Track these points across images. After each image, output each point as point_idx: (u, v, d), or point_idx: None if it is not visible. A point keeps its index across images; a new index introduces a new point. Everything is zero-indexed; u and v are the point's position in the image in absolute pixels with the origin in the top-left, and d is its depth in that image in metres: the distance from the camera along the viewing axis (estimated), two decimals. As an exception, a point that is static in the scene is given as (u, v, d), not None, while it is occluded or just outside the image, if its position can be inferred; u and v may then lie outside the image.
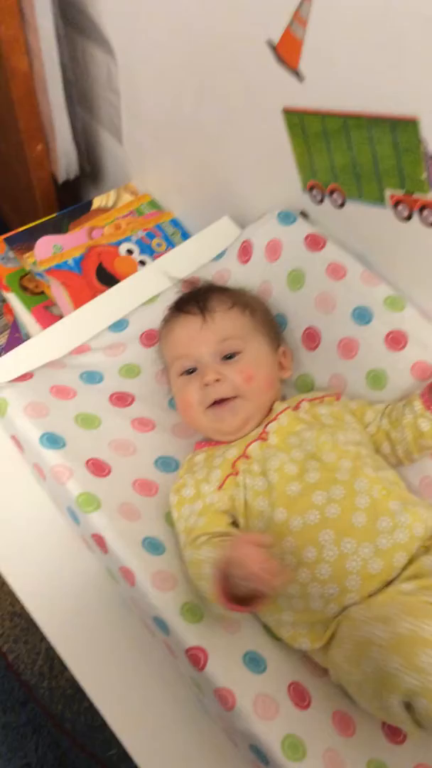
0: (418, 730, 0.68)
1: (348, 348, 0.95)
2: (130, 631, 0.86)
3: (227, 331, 0.88)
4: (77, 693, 1.34)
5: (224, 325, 0.89)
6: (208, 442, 0.89)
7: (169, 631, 0.75)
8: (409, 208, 0.86)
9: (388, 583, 0.74)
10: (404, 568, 0.75)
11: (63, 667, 1.27)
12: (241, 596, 0.69)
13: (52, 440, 0.83)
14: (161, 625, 0.75)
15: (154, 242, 1.33)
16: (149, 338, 0.97)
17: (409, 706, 0.66)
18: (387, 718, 0.72)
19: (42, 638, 1.37)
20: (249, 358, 0.88)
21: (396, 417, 0.86)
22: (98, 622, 0.87)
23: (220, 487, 0.81)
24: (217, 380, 0.85)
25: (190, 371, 0.88)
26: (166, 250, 1.32)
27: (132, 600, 0.80)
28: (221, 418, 0.85)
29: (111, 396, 0.91)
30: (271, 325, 0.96)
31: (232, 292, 0.94)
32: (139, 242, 1.33)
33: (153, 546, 0.80)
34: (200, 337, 0.88)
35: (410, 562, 0.75)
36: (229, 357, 0.87)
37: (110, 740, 1.26)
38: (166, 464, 0.89)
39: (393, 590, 0.73)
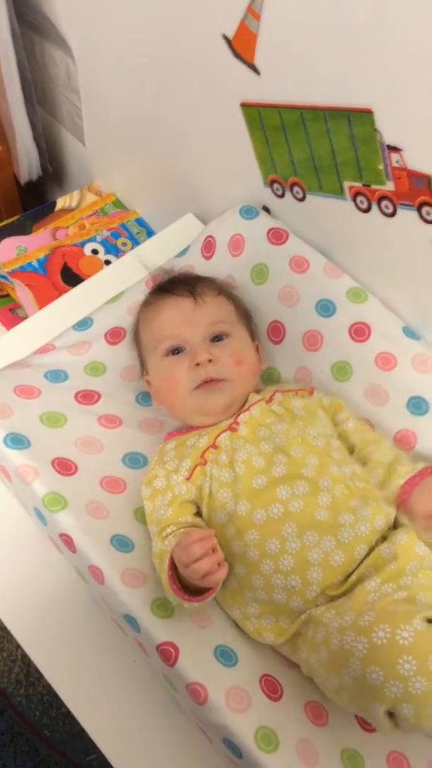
0: (394, 731, 0.68)
1: (313, 340, 0.96)
2: (103, 631, 0.85)
3: (217, 315, 0.89)
4: (55, 699, 1.32)
5: (214, 308, 0.89)
6: (179, 431, 0.89)
7: (139, 628, 0.74)
8: (368, 199, 0.86)
9: (349, 575, 0.75)
10: (364, 558, 0.75)
11: (40, 674, 1.26)
12: (192, 586, 0.71)
13: (16, 440, 0.82)
14: (132, 622, 0.75)
15: (120, 242, 1.33)
16: (114, 336, 0.97)
17: (391, 714, 0.66)
18: (363, 715, 0.72)
19: (18, 645, 1.36)
20: (237, 342, 0.89)
21: (366, 454, 0.86)
22: (70, 624, 0.87)
23: (188, 478, 0.81)
24: (210, 361, 0.85)
25: (177, 351, 0.87)
26: (132, 249, 1.31)
27: (102, 599, 0.80)
28: (207, 397, 0.85)
29: (76, 394, 0.91)
30: (249, 319, 0.97)
31: (216, 281, 0.95)
32: (104, 242, 1.32)
33: (122, 543, 0.79)
34: (192, 318, 0.88)
35: (369, 552, 0.76)
36: (217, 339, 0.88)
37: (89, 746, 1.25)
38: (134, 460, 0.89)
39: (360, 594, 0.72)
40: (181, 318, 0.89)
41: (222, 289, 0.93)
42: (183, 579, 0.72)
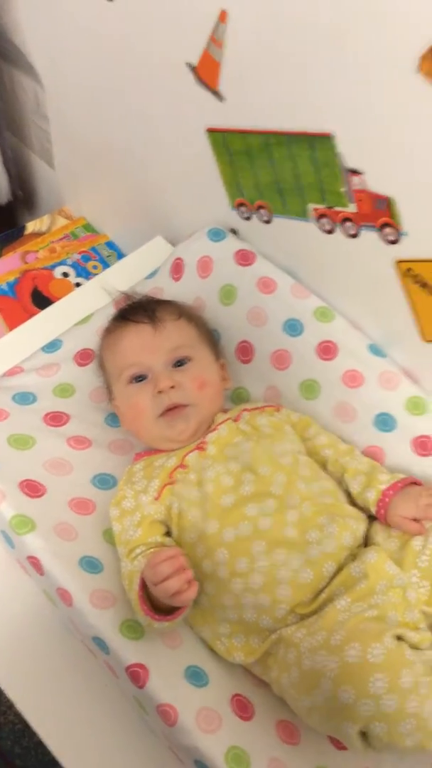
0: (366, 751, 0.68)
1: (281, 360, 0.97)
2: (73, 655, 0.84)
3: (178, 340, 0.89)
4: (26, 728, 1.30)
5: (174, 333, 0.89)
6: (148, 451, 0.89)
7: (108, 650, 0.74)
8: (331, 221, 0.88)
9: (319, 592, 0.75)
10: (333, 576, 0.76)
11: (10, 702, 1.24)
12: (162, 606, 0.70)
13: (-16, 463, 0.81)
14: (101, 644, 0.74)
15: (90, 264, 1.34)
16: (84, 357, 0.97)
17: (362, 732, 0.66)
18: (335, 736, 0.72)
19: (-12, 673, 1.33)
20: (200, 366, 0.89)
21: (342, 466, 0.87)
22: (40, 649, 0.85)
23: (157, 498, 0.81)
24: (172, 387, 0.85)
25: (140, 379, 0.88)
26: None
27: (71, 622, 0.79)
28: (173, 425, 0.85)
29: (45, 416, 0.91)
30: (212, 338, 0.97)
31: (176, 304, 0.96)
32: (74, 265, 1.33)
33: (91, 565, 0.79)
34: (152, 345, 0.88)
35: (339, 570, 0.76)
36: (179, 364, 0.88)
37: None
38: (104, 481, 0.88)
39: (331, 613, 0.72)
40: (141, 345, 0.89)
41: (182, 312, 0.94)
42: (153, 599, 0.72)
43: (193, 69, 0.90)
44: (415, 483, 0.84)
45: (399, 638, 0.69)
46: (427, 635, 0.71)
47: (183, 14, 0.85)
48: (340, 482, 0.87)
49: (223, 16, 0.81)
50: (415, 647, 0.69)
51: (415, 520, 0.79)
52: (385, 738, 0.65)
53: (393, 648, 0.67)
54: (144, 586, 0.72)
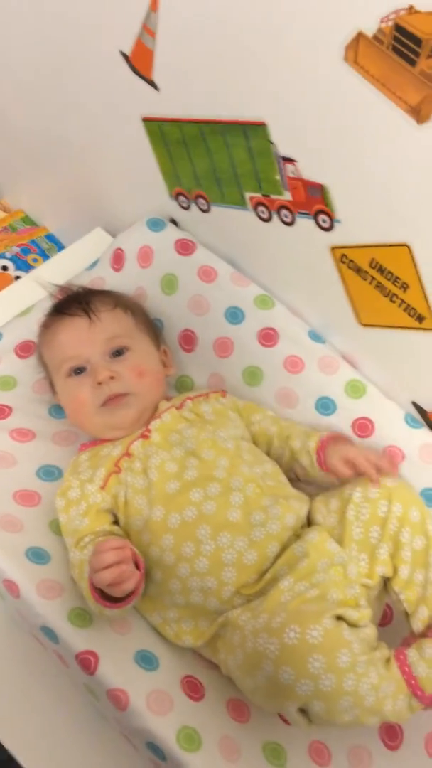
0: (308, 726, 0.70)
1: (223, 347, 0.98)
2: (21, 648, 0.84)
3: (114, 330, 0.89)
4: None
5: (110, 324, 0.90)
6: (93, 442, 0.89)
7: (58, 638, 0.74)
8: (268, 209, 0.90)
9: (263, 573, 0.77)
10: (277, 556, 0.77)
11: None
12: (113, 594, 0.71)
13: None
14: (50, 634, 0.74)
15: (30, 257, 1.32)
16: (24, 350, 0.97)
17: (303, 709, 0.68)
18: (279, 713, 0.74)
19: None
20: (138, 354, 0.89)
21: (288, 434, 0.90)
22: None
23: (103, 487, 0.81)
24: (111, 378, 0.85)
25: (79, 371, 0.88)
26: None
27: (19, 613, 0.79)
28: (114, 413, 0.86)
29: (-13, 410, 0.90)
30: (151, 325, 0.98)
31: (112, 294, 0.96)
32: (14, 258, 1.31)
33: (37, 555, 0.79)
34: (88, 337, 0.88)
35: (282, 550, 0.78)
36: (117, 354, 0.88)
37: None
38: (49, 473, 0.88)
39: (274, 594, 0.73)
40: (77, 338, 0.89)
41: (118, 302, 0.94)
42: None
43: (127, 58, 0.90)
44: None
45: (339, 618, 0.71)
46: (366, 612, 0.73)
47: (115, 2, 0.85)
48: (284, 453, 0.89)
49: (154, 5, 0.81)
50: (354, 625, 0.71)
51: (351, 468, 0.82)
52: (324, 715, 0.67)
53: (331, 629, 0.68)
54: None
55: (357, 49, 0.65)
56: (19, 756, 0.79)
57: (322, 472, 0.85)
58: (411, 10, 0.60)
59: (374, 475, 0.80)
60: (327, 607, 0.70)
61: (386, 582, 0.79)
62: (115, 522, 0.82)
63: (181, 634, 0.78)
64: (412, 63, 0.62)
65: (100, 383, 0.85)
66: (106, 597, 0.72)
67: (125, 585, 0.70)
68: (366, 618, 0.72)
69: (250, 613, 0.73)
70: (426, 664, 0.70)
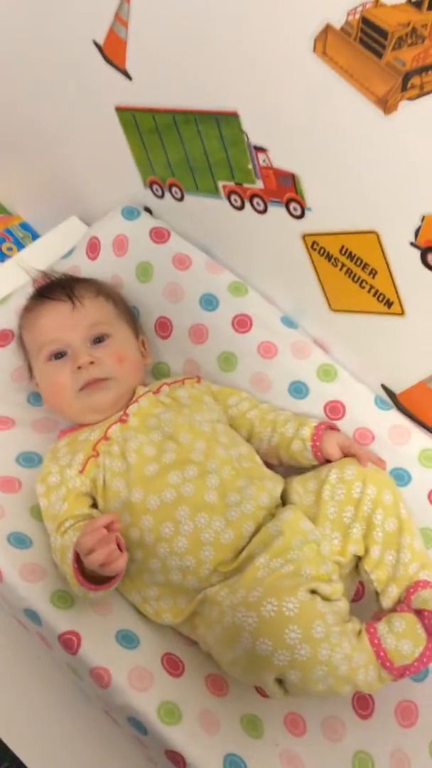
0: (284, 696, 0.73)
1: (198, 334, 1.00)
2: (4, 630, 0.86)
3: (96, 317, 0.91)
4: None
5: (93, 310, 0.91)
6: (72, 428, 0.90)
7: (41, 620, 0.75)
8: (241, 197, 0.91)
9: (239, 551, 0.79)
10: (252, 534, 0.80)
11: None
12: (97, 576, 0.73)
13: None
14: (32, 616, 0.76)
15: (4, 246, 1.32)
16: (2, 338, 0.97)
17: (279, 680, 0.71)
18: (257, 685, 0.77)
19: None
20: (118, 341, 0.91)
21: (273, 420, 0.92)
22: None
23: (81, 471, 0.83)
24: (92, 363, 0.86)
25: (59, 355, 0.89)
26: (18, 253, 1.31)
27: (2, 597, 0.80)
28: (92, 396, 0.87)
29: (-35, 398, 0.91)
30: (130, 314, 0.99)
31: (95, 282, 0.97)
32: (-12, 247, 1.31)
33: (19, 540, 0.80)
34: (71, 322, 0.89)
35: (257, 529, 0.80)
36: (98, 341, 0.90)
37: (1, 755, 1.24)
38: (29, 460, 0.90)
39: (250, 571, 0.76)
40: (60, 322, 0.90)
41: (101, 290, 0.95)
42: (86, 570, 0.74)
43: (100, 47, 0.90)
44: None
45: (313, 592, 0.74)
46: (338, 587, 0.76)
47: (87, -7, 0.86)
48: (271, 437, 0.91)
49: (127, -5, 0.82)
50: (327, 599, 0.74)
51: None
52: (299, 684, 0.70)
53: (306, 601, 0.71)
54: (78, 558, 0.74)
55: (326, 40, 0.67)
56: (2, 734, 0.81)
57: (314, 459, 0.87)
58: (377, 3, 0.62)
59: (370, 460, 0.84)
60: (301, 582, 0.73)
61: (358, 561, 0.81)
62: (94, 505, 0.83)
63: (160, 611, 0.80)
64: (379, 55, 0.64)
65: (79, 368, 0.87)
66: (89, 580, 0.74)
67: (115, 565, 0.71)
68: (338, 592, 0.75)
69: (228, 589, 0.76)
70: (394, 637, 0.73)
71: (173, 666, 0.78)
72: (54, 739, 0.82)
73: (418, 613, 0.76)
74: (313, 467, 0.88)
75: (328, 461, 0.87)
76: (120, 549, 0.74)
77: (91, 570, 0.73)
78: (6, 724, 0.82)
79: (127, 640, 0.77)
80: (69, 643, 0.74)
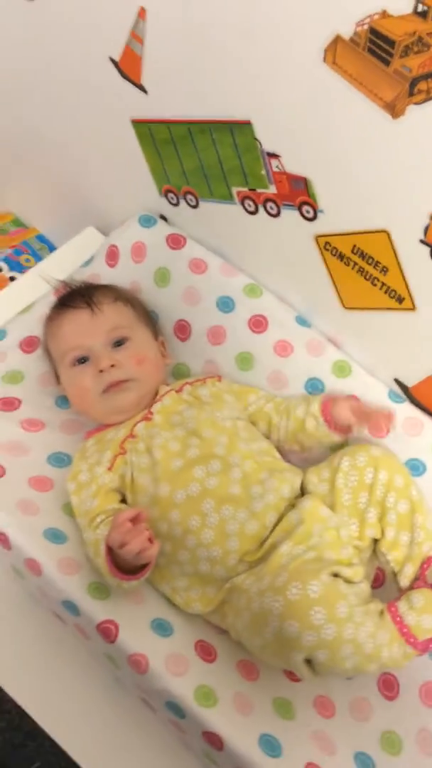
0: (313, 677, 0.76)
1: (216, 335, 1.04)
2: (42, 625, 0.89)
3: (115, 321, 0.94)
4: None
5: (111, 315, 0.95)
6: (98, 428, 0.94)
7: (79, 611, 0.79)
8: (254, 202, 0.95)
9: (263, 541, 0.83)
10: (275, 524, 0.84)
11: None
12: (128, 567, 0.76)
13: None
14: (71, 607, 0.79)
15: (23, 258, 1.37)
16: (29, 345, 1.01)
17: (308, 660, 0.74)
18: (286, 668, 0.80)
19: None
20: (137, 344, 0.94)
21: (286, 407, 0.95)
22: (7, 623, 0.90)
23: (110, 468, 0.86)
24: (112, 366, 0.90)
25: (82, 360, 0.93)
26: (36, 264, 1.35)
27: (40, 591, 0.84)
28: (115, 397, 0.91)
29: (-3, 402, 0.95)
30: (149, 317, 1.03)
31: (113, 288, 1.01)
32: (6, 259, 1.35)
33: (55, 536, 0.84)
34: (91, 328, 0.93)
35: (280, 519, 0.84)
36: (118, 344, 0.93)
37: (33, 756, 1.27)
38: (59, 460, 0.93)
39: (275, 558, 0.80)
40: (80, 329, 0.94)
41: (119, 295, 0.99)
42: (119, 561, 0.77)
43: (116, 64, 0.94)
44: None
45: (335, 575, 0.78)
46: (359, 569, 0.80)
47: (103, 12, 0.90)
48: (288, 424, 0.94)
49: (142, 13, 0.86)
50: (349, 581, 0.78)
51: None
52: (328, 663, 0.73)
53: (329, 583, 0.75)
54: (110, 551, 0.77)
55: (335, 50, 0.71)
56: (44, 725, 0.84)
57: (329, 430, 0.90)
58: (384, 14, 0.65)
59: (383, 418, 0.88)
60: (324, 566, 0.77)
61: (375, 544, 0.85)
62: (123, 500, 0.87)
63: (190, 601, 0.84)
64: (386, 63, 0.68)
65: (101, 371, 0.90)
66: (122, 571, 0.77)
67: (150, 551, 0.74)
68: (359, 575, 0.79)
69: (254, 577, 0.79)
70: (415, 613, 0.77)
71: (206, 652, 0.81)
72: (92, 727, 0.85)
73: (436, 587, 0.80)
74: (333, 447, 0.92)
75: (346, 431, 0.91)
76: (150, 540, 0.77)
77: (124, 561, 0.76)
78: (45, 714, 0.85)
79: (162, 628, 0.80)
80: (107, 631, 0.77)
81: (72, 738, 0.84)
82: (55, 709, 0.85)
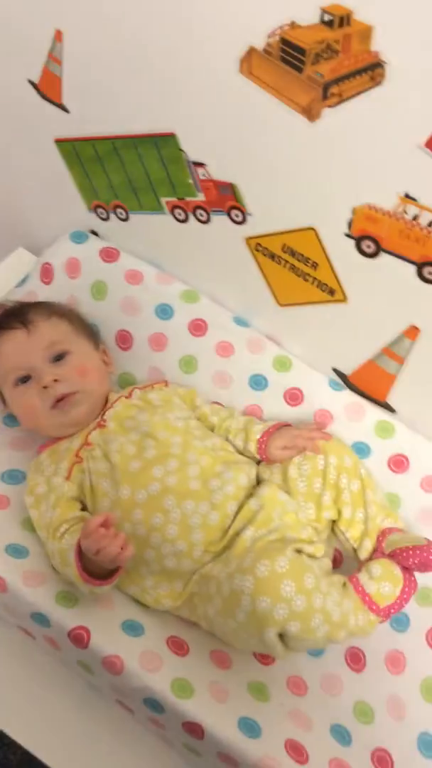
0: (286, 653, 0.79)
1: (158, 342, 1.06)
2: (9, 643, 0.89)
3: (52, 337, 0.95)
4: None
5: (47, 331, 0.95)
6: (50, 441, 0.95)
7: (49, 621, 0.79)
8: (184, 211, 0.99)
9: (226, 530, 0.86)
10: (236, 513, 0.87)
11: None
12: (100, 572, 0.77)
13: None
14: (40, 619, 0.80)
15: None
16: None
17: (280, 636, 0.77)
18: (259, 650, 0.83)
19: None
20: (78, 356, 0.95)
21: (227, 428, 0.98)
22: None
23: (68, 477, 0.88)
24: (55, 380, 0.91)
25: (25, 380, 0.93)
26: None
27: (6, 608, 0.84)
28: (66, 411, 0.92)
29: None
30: (88, 328, 1.04)
31: (46, 304, 1.02)
32: None
33: (17, 551, 0.84)
34: (28, 347, 0.94)
35: (240, 508, 0.88)
36: (58, 359, 0.94)
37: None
38: (13, 477, 0.93)
39: (240, 544, 0.84)
40: (18, 349, 0.94)
41: (53, 311, 0.99)
42: (89, 567, 0.78)
43: (35, 86, 0.97)
44: (285, 426, 0.97)
45: (298, 551, 0.82)
46: (320, 546, 0.85)
47: (20, 36, 0.92)
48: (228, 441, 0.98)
49: (58, 35, 0.88)
50: (311, 556, 0.83)
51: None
52: (301, 635, 0.76)
53: (294, 558, 0.79)
54: (80, 558, 0.78)
55: (250, 61, 0.76)
56: (19, 739, 0.84)
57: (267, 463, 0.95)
58: (293, 25, 0.70)
59: (313, 447, 0.91)
60: (287, 544, 0.81)
61: (333, 525, 0.89)
62: (83, 509, 0.88)
63: (159, 598, 0.85)
64: (299, 70, 0.73)
65: (45, 387, 0.91)
66: (93, 576, 0.78)
67: (125, 553, 0.75)
68: (320, 551, 0.84)
69: (222, 564, 0.83)
70: (375, 582, 0.82)
71: (178, 647, 0.83)
72: (70, 735, 0.85)
73: (392, 556, 0.84)
74: None
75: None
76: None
77: (94, 567, 0.77)
78: (21, 728, 0.85)
79: (133, 628, 0.82)
80: (79, 637, 0.78)
81: (51, 750, 0.85)
82: (29, 723, 0.86)
